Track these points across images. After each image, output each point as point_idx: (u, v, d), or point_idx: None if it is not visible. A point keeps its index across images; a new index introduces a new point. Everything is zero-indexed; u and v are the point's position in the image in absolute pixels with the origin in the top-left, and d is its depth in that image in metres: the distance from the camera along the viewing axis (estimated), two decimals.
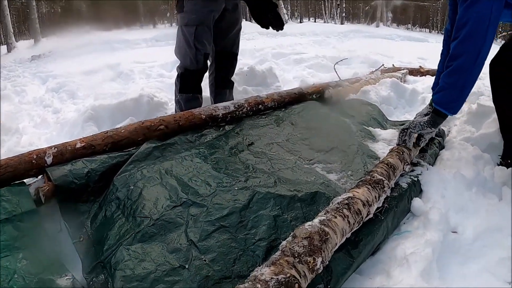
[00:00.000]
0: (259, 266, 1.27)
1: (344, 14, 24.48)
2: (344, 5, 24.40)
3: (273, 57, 6.59)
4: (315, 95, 2.96)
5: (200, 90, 2.88)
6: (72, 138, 3.17)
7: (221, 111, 2.43)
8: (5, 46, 14.94)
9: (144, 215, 1.59)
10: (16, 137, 3.28)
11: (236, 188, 1.68)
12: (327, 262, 1.34)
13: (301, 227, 1.36)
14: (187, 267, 1.39)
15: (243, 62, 4.34)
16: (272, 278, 1.15)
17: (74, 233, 1.66)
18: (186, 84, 2.79)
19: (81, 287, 1.46)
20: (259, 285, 1.12)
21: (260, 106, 2.62)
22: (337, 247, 1.40)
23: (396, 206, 1.70)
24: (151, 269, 1.38)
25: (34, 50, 12.93)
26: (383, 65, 5.03)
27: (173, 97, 3.00)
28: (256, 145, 2.11)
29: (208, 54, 2.79)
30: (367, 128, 2.60)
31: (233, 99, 2.94)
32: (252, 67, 3.58)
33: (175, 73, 2.92)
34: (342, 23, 22.19)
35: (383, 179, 1.66)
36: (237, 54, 3.01)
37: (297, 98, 2.84)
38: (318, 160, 2.04)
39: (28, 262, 1.47)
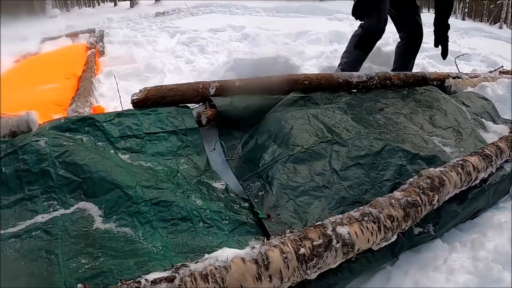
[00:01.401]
0: None
1: (466, 10, 22.86)
2: (467, 0, 22.75)
3: (394, 41, 6.71)
4: (435, 82, 3.23)
5: (370, 50, 3.31)
6: None
7: (355, 79, 2.84)
8: (128, 1, 16.19)
9: (296, 144, 2.06)
10: (161, 76, 3.79)
11: (371, 138, 2.11)
12: (439, 205, 1.74)
13: (426, 170, 1.77)
14: (329, 187, 1.85)
15: None
16: (402, 198, 1.59)
17: (228, 153, 2.10)
18: (364, 43, 3.28)
19: (234, 194, 1.87)
20: (393, 200, 1.57)
21: (388, 81, 2.97)
22: (449, 196, 1.79)
23: (498, 183, 2.02)
24: (301, 183, 1.85)
25: (156, 7, 13.84)
26: (502, 66, 5.01)
27: (302, 62, 3.47)
28: (386, 111, 2.51)
29: (387, 19, 3.20)
30: (480, 119, 2.84)
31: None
32: (378, 47, 3.89)
33: (300, 43, 3.33)
34: (463, 19, 20.80)
35: (492, 155, 1.99)
36: None
37: (420, 81, 3.13)
38: (436, 134, 2.38)
39: (188, 167, 1.94)
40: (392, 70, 3.45)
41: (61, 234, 1.39)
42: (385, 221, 1.47)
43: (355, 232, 1.41)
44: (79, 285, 1.11)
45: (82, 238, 1.38)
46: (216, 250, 1.30)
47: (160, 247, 1.42)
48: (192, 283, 1.10)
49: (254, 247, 1.25)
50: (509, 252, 1.60)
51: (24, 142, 1.75)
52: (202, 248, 1.46)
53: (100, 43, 5.75)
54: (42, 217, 1.50)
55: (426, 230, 1.71)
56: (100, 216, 1.52)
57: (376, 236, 1.46)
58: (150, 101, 2.18)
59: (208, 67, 4.00)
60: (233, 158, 2.11)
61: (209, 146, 2.21)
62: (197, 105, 2.40)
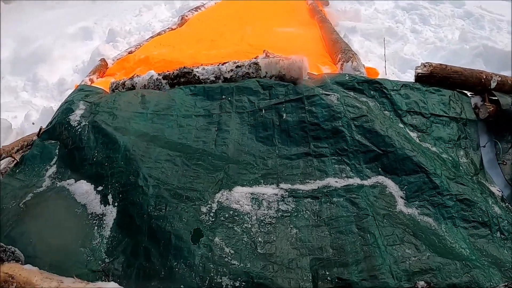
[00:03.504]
0: None
1: None
2: None
3: None
4: None
5: None
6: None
7: None
8: None
9: None
10: (401, 43, 3.56)
11: None
12: None
13: None
14: None
15: None
16: None
17: (500, 155, 1.83)
18: None
19: (510, 204, 1.59)
20: None
21: None
22: None
23: None
24: None
25: None
26: None
27: None
28: None
29: None
30: None
31: None
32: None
33: None
34: None
35: None
36: None
37: None
38: None
39: (466, 161, 1.73)
40: None
41: (370, 210, 1.30)
42: None
43: None
44: (421, 283, 1.00)
45: (394, 221, 1.28)
46: None
47: (467, 250, 1.30)
48: None
49: None
50: None
51: (311, 93, 1.73)
52: (500, 261, 1.30)
53: None
54: (336, 182, 1.45)
55: None
56: (401, 197, 1.42)
57: None
58: (434, 78, 1.98)
59: (436, 42, 3.58)
60: (505, 163, 1.85)
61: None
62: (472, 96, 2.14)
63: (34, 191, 1.65)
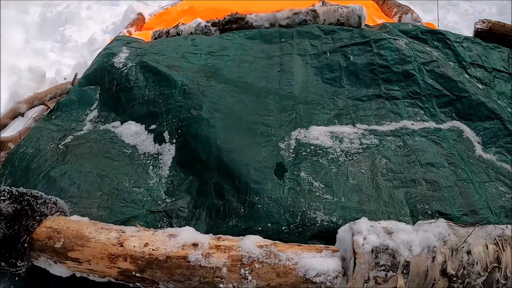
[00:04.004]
0: None
1: None
2: None
3: None
4: None
5: None
6: None
7: None
8: None
9: None
10: None
11: None
12: None
13: None
14: None
15: None
16: None
17: None
18: None
19: None
20: None
21: None
22: None
23: None
24: None
25: None
26: None
27: None
28: None
29: None
30: None
31: None
32: None
33: None
34: None
35: None
36: None
37: None
38: None
39: None
40: None
41: (455, 150, 1.28)
42: None
43: None
44: None
45: (482, 164, 1.24)
46: None
47: None
48: None
49: None
50: None
51: (378, 37, 1.68)
52: None
53: None
54: (412, 124, 1.40)
55: None
56: (478, 143, 1.37)
57: None
58: (493, 35, 1.94)
59: (476, 14, 3.58)
60: None
61: None
62: None
63: (74, 134, 1.51)
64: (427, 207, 1.09)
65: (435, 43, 1.76)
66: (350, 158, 1.23)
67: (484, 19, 1.99)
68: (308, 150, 1.26)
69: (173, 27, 1.99)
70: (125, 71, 1.68)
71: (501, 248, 0.85)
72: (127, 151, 1.40)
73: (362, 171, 1.19)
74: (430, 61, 1.58)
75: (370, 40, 1.66)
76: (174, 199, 1.21)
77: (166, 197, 1.22)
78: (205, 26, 1.91)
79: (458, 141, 1.34)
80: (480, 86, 1.68)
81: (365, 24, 1.86)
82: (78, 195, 1.20)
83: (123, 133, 1.48)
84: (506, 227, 0.89)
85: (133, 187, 1.24)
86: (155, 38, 2.01)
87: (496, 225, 0.89)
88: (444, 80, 1.53)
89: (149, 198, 1.20)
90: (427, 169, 1.20)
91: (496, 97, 1.69)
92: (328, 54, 1.65)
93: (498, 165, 1.31)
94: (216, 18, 1.94)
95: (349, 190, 1.13)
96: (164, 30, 2.00)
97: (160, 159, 1.35)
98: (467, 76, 1.66)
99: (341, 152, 1.25)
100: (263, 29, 1.83)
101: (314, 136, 1.32)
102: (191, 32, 1.94)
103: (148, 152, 1.39)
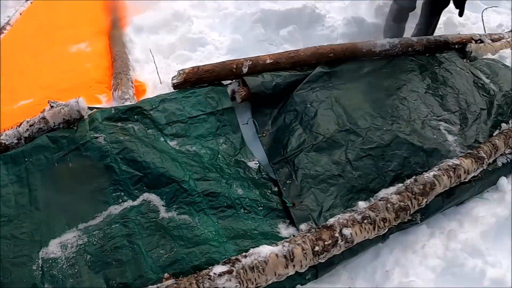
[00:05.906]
0: (385, 188, 2.14)
1: None
2: None
3: None
4: (457, 46, 3.34)
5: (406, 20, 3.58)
6: (237, 33, 3.75)
7: (379, 48, 3.02)
8: None
9: (318, 132, 2.41)
10: (188, 25, 3.79)
11: (384, 129, 2.45)
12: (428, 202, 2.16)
13: (421, 175, 2.16)
14: (342, 175, 2.25)
15: None
16: (397, 202, 2.02)
17: (259, 129, 2.44)
18: (398, 17, 3.56)
19: (265, 173, 2.25)
20: (389, 205, 2.01)
21: (410, 48, 3.14)
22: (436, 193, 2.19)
23: (487, 177, 2.36)
24: (320, 172, 2.25)
25: None
26: None
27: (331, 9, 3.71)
28: (402, 90, 2.76)
29: None
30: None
31: None
32: None
33: None
34: None
35: (485, 157, 2.32)
36: None
37: (442, 46, 3.28)
38: (444, 118, 2.64)
39: (226, 146, 2.30)
40: (416, 26, 3.57)
41: (137, 228, 1.85)
42: (380, 223, 1.95)
43: (356, 232, 1.90)
44: (166, 274, 1.64)
45: (156, 228, 1.86)
46: (255, 232, 1.92)
47: (214, 232, 1.90)
48: (244, 274, 1.64)
49: (284, 245, 1.77)
50: (476, 244, 2.07)
51: (85, 140, 2.07)
52: (244, 231, 1.95)
53: None
54: (115, 209, 1.93)
55: (414, 219, 2.14)
56: (163, 205, 1.96)
57: (371, 233, 1.94)
58: (189, 83, 2.47)
59: (240, 13, 3.87)
60: (264, 134, 2.46)
61: (242, 120, 2.54)
62: (231, 82, 2.66)
63: None
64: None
65: (136, 117, 2.23)
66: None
67: (180, 70, 2.47)
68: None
69: None
70: None
71: None
72: None
73: (76, 270, 1.73)
74: (122, 149, 2.05)
75: (79, 145, 2.04)
76: None
77: None
78: None
79: (145, 212, 1.89)
80: (175, 142, 2.21)
81: (88, 107, 2.22)
82: None
83: None
84: None
85: None
86: None
87: None
88: (134, 163, 2.03)
89: None
90: (115, 251, 1.75)
91: (193, 142, 2.23)
92: (56, 164, 2.06)
93: (177, 219, 1.89)
94: None
95: None
96: None
97: None
98: (162, 140, 2.19)
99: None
100: (13, 150, 2.12)
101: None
102: None
103: None
